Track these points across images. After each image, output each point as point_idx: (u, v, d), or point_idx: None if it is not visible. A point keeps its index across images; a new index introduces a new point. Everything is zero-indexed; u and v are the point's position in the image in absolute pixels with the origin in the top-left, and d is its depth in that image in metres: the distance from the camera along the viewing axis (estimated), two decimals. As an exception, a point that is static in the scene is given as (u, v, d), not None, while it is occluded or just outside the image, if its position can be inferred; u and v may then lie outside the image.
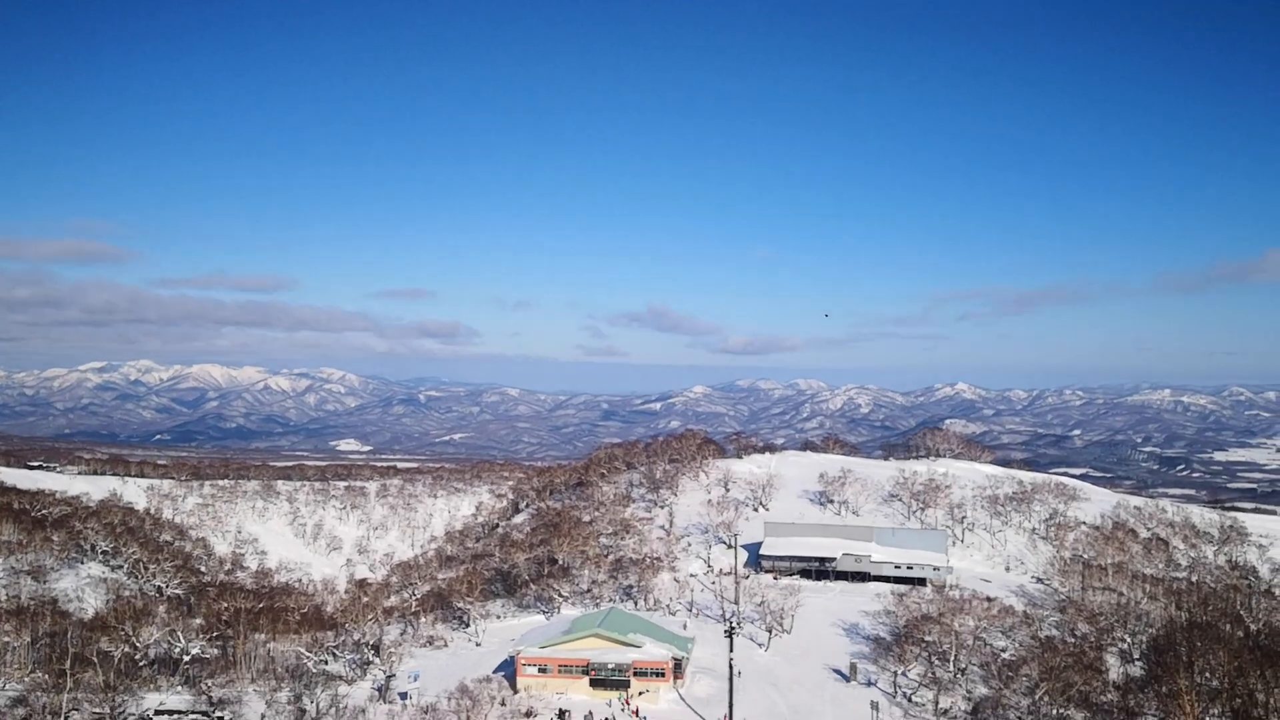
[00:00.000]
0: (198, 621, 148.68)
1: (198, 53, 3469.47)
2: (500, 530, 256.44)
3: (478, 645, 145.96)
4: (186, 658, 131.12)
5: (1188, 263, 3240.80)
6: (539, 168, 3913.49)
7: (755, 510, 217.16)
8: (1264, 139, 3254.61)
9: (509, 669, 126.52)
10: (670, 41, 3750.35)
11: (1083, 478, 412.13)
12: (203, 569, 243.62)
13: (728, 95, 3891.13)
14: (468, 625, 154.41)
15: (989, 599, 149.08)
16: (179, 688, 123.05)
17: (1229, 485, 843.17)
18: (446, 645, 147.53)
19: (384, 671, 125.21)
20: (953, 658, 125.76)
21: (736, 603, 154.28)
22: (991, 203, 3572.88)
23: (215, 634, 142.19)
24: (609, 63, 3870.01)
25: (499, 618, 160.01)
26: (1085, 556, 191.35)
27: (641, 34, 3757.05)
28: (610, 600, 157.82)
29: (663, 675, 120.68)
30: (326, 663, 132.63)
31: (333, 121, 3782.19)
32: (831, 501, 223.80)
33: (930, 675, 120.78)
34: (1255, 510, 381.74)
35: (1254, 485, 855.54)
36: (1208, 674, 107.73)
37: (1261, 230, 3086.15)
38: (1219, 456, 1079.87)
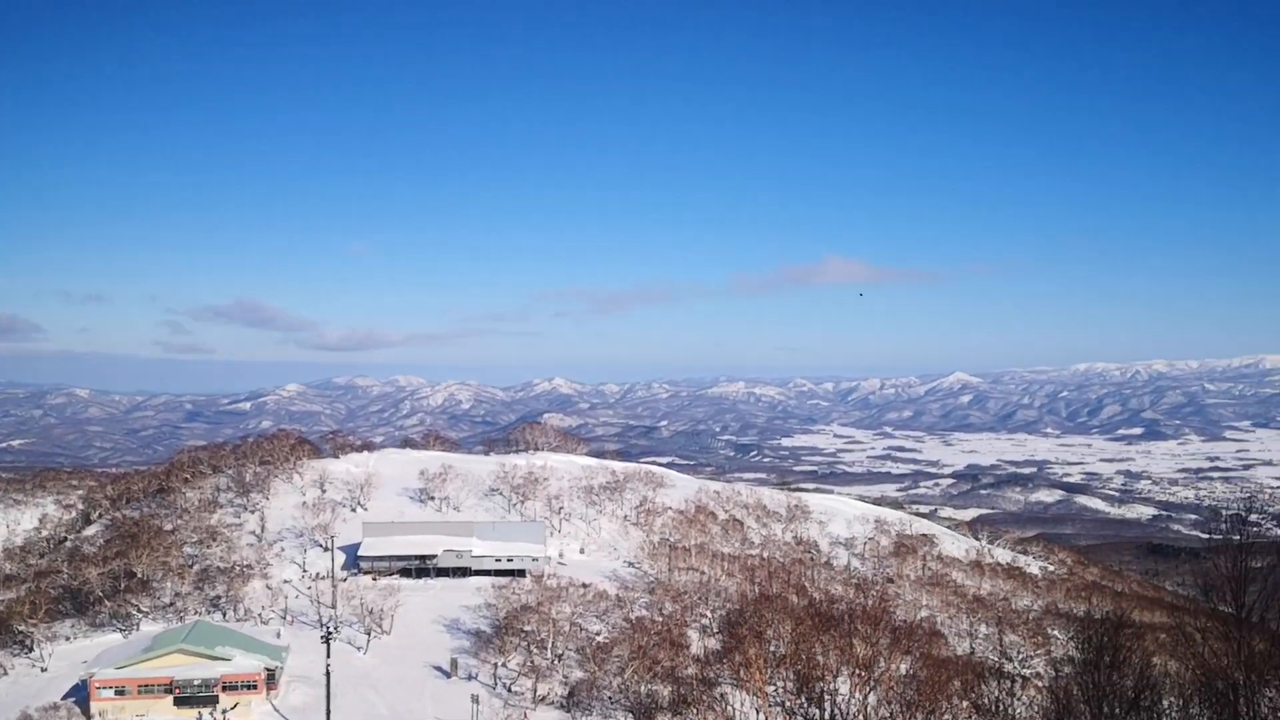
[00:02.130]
0: None
1: None
2: (69, 544, 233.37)
3: (44, 670, 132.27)
4: None
5: (757, 265, 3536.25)
6: (105, 145, 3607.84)
7: (354, 511, 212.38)
8: (818, 147, 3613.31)
9: (82, 694, 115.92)
10: (250, 28, 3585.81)
11: (669, 465, 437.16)
12: None
13: (327, 93, 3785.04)
14: (31, 649, 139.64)
15: (585, 585, 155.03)
16: None
17: (795, 468, 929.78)
18: (6, 674, 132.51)
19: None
20: (550, 645, 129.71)
21: (334, 607, 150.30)
22: (583, 203, 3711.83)
23: None
24: (181, 38, 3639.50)
25: (69, 639, 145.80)
26: (672, 539, 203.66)
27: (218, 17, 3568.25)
28: (196, 613, 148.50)
29: (255, 687, 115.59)
30: None
31: None
32: (433, 498, 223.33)
33: (529, 664, 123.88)
34: (817, 490, 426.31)
35: (815, 467, 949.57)
36: (776, 641, 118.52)
37: (821, 236, 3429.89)
38: (786, 442, 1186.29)
